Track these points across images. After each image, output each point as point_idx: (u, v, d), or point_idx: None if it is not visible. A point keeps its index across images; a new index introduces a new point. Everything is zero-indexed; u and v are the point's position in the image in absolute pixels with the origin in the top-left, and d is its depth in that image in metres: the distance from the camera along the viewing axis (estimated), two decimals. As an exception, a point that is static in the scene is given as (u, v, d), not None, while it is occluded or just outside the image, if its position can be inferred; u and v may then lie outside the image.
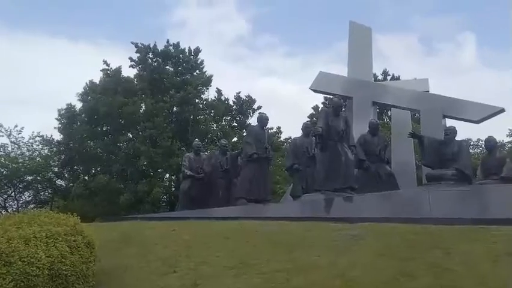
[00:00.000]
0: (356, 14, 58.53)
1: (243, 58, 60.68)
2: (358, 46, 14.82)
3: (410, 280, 4.74)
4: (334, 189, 9.60)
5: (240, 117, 26.40)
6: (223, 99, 26.21)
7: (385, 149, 11.38)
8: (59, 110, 23.72)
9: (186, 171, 11.95)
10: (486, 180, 10.08)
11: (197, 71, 25.56)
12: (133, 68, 25.16)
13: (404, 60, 49.66)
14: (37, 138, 23.94)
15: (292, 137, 13.53)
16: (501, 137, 23.96)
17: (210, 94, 26.17)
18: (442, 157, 10.23)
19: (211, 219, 8.71)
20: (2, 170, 21.77)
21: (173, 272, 6.00)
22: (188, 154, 12.83)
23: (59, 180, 24.37)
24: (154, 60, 25.15)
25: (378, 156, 11.13)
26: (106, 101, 22.69)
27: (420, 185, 11.38)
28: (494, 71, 50.40)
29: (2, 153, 22.80)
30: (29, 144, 23.84)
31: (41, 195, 24.23)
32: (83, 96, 23.75)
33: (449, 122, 12.45)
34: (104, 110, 22.69)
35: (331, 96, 14.85)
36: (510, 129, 24.27)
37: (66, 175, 24.24)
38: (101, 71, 24.59)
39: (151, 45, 24.97)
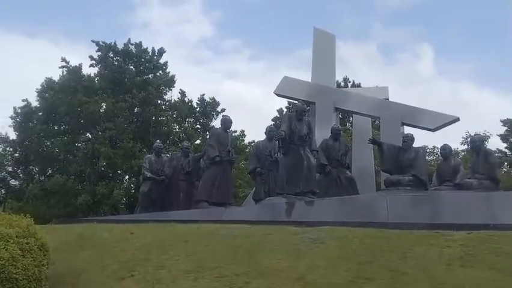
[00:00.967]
0: (319, 21, 59.75)
1: (207, 60, 60.63)
2: (322, 52, 15.03)
3: (367, 283, 4.83)
4: (296, 193, 9.64)
5: (203, 120, 26.18)
6: (186, 100, 25.93)
7: (346, 154, 11.56)
8: (14, 108, 22.83)
9: (146, 173, 11.71)
10: (441, 186, 10.39)
11: (160, 72, 25.22)
12: (94, 66, 24.57)
13: (364, 68, 51.00)
14: (-10, 136, 22.93)
15: (256, 141, 13.50)
16: (455, 145, 24.98)
17: (173, 95, 25.89)
18: (400, 163, 10.49)
19: (171, 222, 8.57)
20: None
21: (131, 276, 5.88)
22: (149, 156, 12.58)
23: (13, 180, 23.43)
24: (115, 59, 24.60)
25: (339, 161, 11.30)
26: (65, 100, 21.99)
27: (379, 190, 11.62)
28: (449, 82, 52.54)
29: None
30: (-19, 142, 22.80)
31: (-7, 195, 23.22)
32: (40, 94, 22.93)
33: (407, 130, 12.81)
34: (63, 108, 21.98)
35: (295, 101, 14.99)
36: (464, 138, 25.31)
37: (21, 175, 23.30)
38: (60, 68, 23.87)
39: (112, 44, 24.43)
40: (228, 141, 11.08)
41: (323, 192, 10.29)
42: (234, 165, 12.77)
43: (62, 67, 23.79)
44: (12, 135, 22.96)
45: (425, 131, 13.01)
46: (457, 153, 23.36)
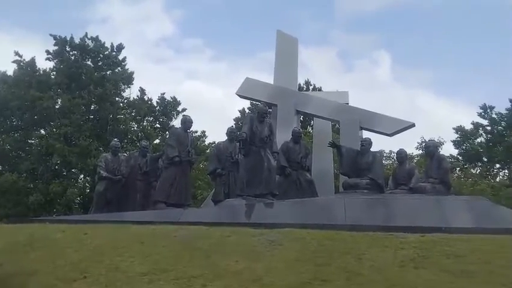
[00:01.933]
0: (281, 25, 60.41)
1: (167, 59, 59.94)
2: (284, 55, 15.13)
3: (323, 284, 4.86)
4: (255, 194, 9.63)
5: (163, 119, 25.78)
6: (146, 99, 25.46)
7: (306, 157, 11.65)
8: (-38, 101, 21.67)
9: (102, 172, 11.35)
10: (396, 189, 10.65)
11: (118, 68, 24.62)
12: (50, 61, 23.70)
13: (325, 72, 51.96)
14: None
15: (217, 142, 13.42)
16: (411, 149, 25.83)
17: (133, 93, 25.36)
18: (358, 167, 10.69)
19: (127, 223, 8.36)
20: None
21: (83, 278, 5.66)
22: (105, 154, 12.23)
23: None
24: (72, 53, 23.83)
25: (299, 163, 11.37)
26: (18, 94, 21.09)
27: (337, 192, 11.79)
28: (405, 88, 54.34)
29: None
30: None
31: None
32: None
33: (366, 134, 13.09)
34: (16, 103, 21.08)
35: (257, 103, 15.01)
36: (419, 143, 26.19)
37: (-32, 172, 22.14)
38: (13, 62, 22.87)
39: (69, 38, 23.66)
40: (188, 141, 10.93)
41: (282, 194, 10.32)
42: (193, 166, 12.62)
43: (16, 61, 22.85)
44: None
45: (383, 135, 13.35)
46: (412, 157, 24.12)
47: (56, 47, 23.53)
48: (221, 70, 60.09)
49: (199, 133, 25.68)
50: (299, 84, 26.81)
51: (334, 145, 11.51)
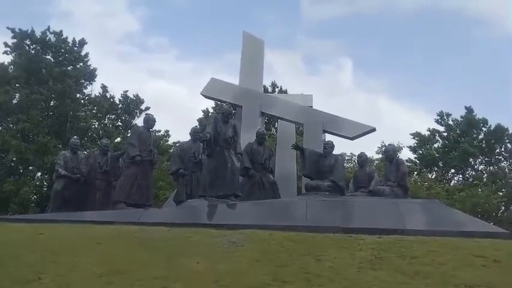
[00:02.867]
0: (247, 27, 60.34)
1: (131, 57, 58.84)
2: (250, 56, 15.18)
3: (283, 285, 4.90)
4: (218, 195, 9.61)
5: (125, 117, 25.29)
6: (108, 96, 24.90)
7: (270, 159, 11.70)
8: None
9: (60, 170, 11.01)
10: (356, 192, 10.89)
11: (80, 64, 23.96)
12: (8, 54, 22.79)
13: (289, 76, 52.49)
14: None
15: (180, 141, 13.30)
16: (371, 153, 26.44)
17: (94, 90, 24.76)
18: (320, 169, 10.84)
19: (86, 223, 8.20)
20: None
21: (38, 280, 5.46)
22: (64, 152, 11.88)
23: None
24: (31, 47, 22.99)
25: (263, 165, 11.40)
26: (-27, 88, 20.17)
27: (300, 194, 11.92)
28: (367, 94, 55.62)
29: None
30: None
31: None
32: None
33: (328, 137, 13.30)
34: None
35: (222, 103, 14.98)
36: (379, 147, 26.89)
37: None
38: (-33, 55, 21.86)
39: (29, 31, 22.83)
40: (150, 140, 10.79)
41: (245, 196, 10.35)
42: (155, 165, 12.45)
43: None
44: None
45: (345, 139, 13.61)
46: (372, 161, 24.69)
47: (14, 40, 22.66)
48: (186, 70, 59.59)
49: (162, 132, 25.40)
50: (265, 86, 26.94)
51: (297, 147, 11.63)
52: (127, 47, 59.57)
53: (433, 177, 27.88)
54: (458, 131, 28.97)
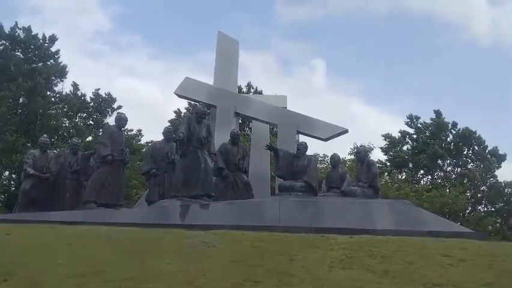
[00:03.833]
0: (222, 28, 60.16)
1: (103, 55, 57.81)
2: (225, 56, 15.14)
3: (255, 285, 4.92)
4: (191, 195, 9.56)
5: (97, 116, 24.87)
6: (79, 94, 24.43)
7: (244, 159, 11.73)
8: None
9: (29, 169, 10.72)
10: (329, 192, 11.03)
11: (51, 61, 23.41)
12: (-26, 49, 22.07)
13: (263, 77, 52.68)
14: None
15: (153, 141, 13.15)
16: (344, 154, 26.80)
17: (65, 88, 24.27)
18: (293, 170, 10.91)
19: (55, 224, 8.04)
20: None
21: (4, 281, 5.30)
22: (32, 151, 11.58)
23: None
24: (0, 43, 22.33)
25: (237, 165, 11.41)
26: None
27: (273, 194, 11.98)
28: (339, 96, 56.36)
29: None
30: None
31: None
32: None
33: (302, 138, 13.41)
34: None
35: (195, 103, 14.89)
36: (351, 148, 27.28)
37: None
38: None
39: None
40: (122, 139, 10.65)
41: (219, 196, 10.33)
42: (127, 165, 12.28)
43: None
44: None
45: (318, 140, 13.75)
46: (345, 162, 25.02)
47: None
48: (159, 69, 58.96)
49: (134, 132, 25.07)
50: (240, 87, 26.95)
51: (271, 148, 11.68)
52: (99, 44, 58.53)
53: (403, 178, 28.51)
54: (427, 134, 29.74)
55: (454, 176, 28.28)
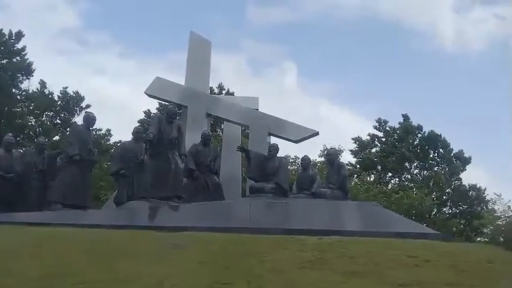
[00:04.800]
0: (192, 27, 59.82)
1: (71, 52, 56.45)
2: (197, 57, 15.06)
3: (224, 287, 4.92)
4: (160, 197, 9.47)
5: (64, 114, 24.30)
6: (46, 92, 23.82)
7: (215, 160, 11.68)
8: None
9: (-8, 169, 10.43)
10: (299, 194, 11.12)
11: (17, 58, 22.75)
12: None
13: (234, 78, 52.70)
14: None
15: (122, 141, 12.97)
16: (314, 156, 27.13)
17: (32, 85, 23.62)
18: (265, 171, 10.98)
19: (20, 225, 7.86)
20: None
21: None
22: (-4, 150, 11.24)
23: None
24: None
25: (207, 166, 11.34)
26: None
27: (244, 196, 11.99)
28: (310, 98, 56.93)
29: None
30: None
31: None
32: None
33: (273, 140, 13.51)
34: None
35: (166, 103, 14.76)
36: (321, 151, 27.62)
37: None
38: None
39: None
40: (90, 139, 10.49)
41: (189, 197, 10.26)
42: (94, 165, 12.05)
43: None
44: None
45: (289, 142, 13.86)
46: (315, 164, 25.32)
47: None
48: (129, 68, 57.99)
49: (103, 131, 24.63)
50: (212, 88, 26.84)
51: (242, 149, 11.70)
52: (68, 42, 57.15)
53: (372, 180, 29.08)
54: (395, 137, 30.45)
55: (420, 178, 29.04)
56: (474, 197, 27.78)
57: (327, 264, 5.73)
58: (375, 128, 31.23)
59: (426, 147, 29.64)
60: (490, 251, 7.42)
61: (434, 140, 29.47)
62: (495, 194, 28.76)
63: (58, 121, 24.41)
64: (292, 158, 25.89)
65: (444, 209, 28.35)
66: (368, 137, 31.23)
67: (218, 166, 12.05)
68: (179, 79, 15.00)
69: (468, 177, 29.52)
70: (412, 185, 28.17)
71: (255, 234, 7.23)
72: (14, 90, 22.28)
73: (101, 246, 6.43)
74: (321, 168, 22.83)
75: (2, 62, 22.08)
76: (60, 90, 24.34)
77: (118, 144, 17.28)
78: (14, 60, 22.64)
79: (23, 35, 23.09)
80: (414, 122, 30.47)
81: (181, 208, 9.19)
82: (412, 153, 29.09)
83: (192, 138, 11.89)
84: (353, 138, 31.11)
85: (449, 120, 48.66)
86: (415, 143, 29.98)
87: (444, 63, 55.63)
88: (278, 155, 11.36)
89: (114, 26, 60.68)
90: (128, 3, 59.55)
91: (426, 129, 29.95)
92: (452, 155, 29.35)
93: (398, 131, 30.43)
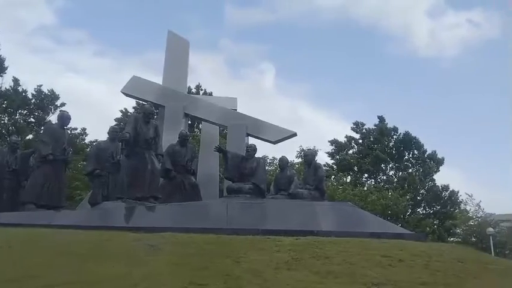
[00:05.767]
0: (170, 26, 59.49)
1: (46, 50, 55.39)
2: (175, 56, 14.96)
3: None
4: (136, 197, 9.36)
5: (38, 113, 23.78)
6: (20, 90, 23.25)
7: (192, 161, 11.63)
8: None
9: (-38, 168, 10.16)
10: (277, 195, 11.16)
11: (-10, 54, 22.19)
12: None
13: (212, 78, 52.59)
14: None
15: (98, 140, 12.75)
16: (291, 157, 27.27)
17: (5, 83, 23.04)
18: (242, 172, 10.98)
19: (-8, 225, 7.66)
20: None
21: None
22: (-33, 149, 10.96)
23: None
24: None
25: (184, 167, 11.30)
26: None
27: (221, 196, 11.96)
28: (288, 99, 57.32)
29: None
30: None
31: None
32: None
33: (251, 140, 13.51)
34: None
35: (143, 102, 14.61)
36: (298, 151, 27.80)
37: None
38: None
39: None
40: (64, 138, 10.30)
41: (166, 198, 10.19)
42: (69, 165, 11.84)
43: None
44: None
45: (267, 142, 13.90)
46: (293, 165, 25.46)
47: None
48: (105, 66, 57.27)
49: (78, 130, 24.21)
50: (190, 89, 26.69)
51: (220, 150, 11.67)
52: (43, 39, 56.00)
53: (348, 181, 29.44)
54: (371, 139, 30.91)
55: (395, 179, 29.55)
56: (447, 198, 28.45)
57: (303, 264, 5.78)
58: (352, 130, 31.66)
59: (401, 148, 30.18)
60: (461, 250, 7.62)
61: (409, 142, 30.04)
62: (466, 194, 29.64)
63: (32, 120, 23.89)
64: (270, 159, 25.96)
65: (419, 210, 28.93)
66: (345, 139, 31.63)
67: (196, 166, 12.00)
68: (157, 78, 14.91)
69: (441, 178, 30.25)
70: (387, 186, 28.65)
71: (231, 234, 7.24)
72: (-15, 87, 21.70)
73: (75, 248, 6.34)
74: (298, 169, 22.97)
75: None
76: (35, 88, 23.87)
77: (94, 144, 16.97)
78: (-14, 56, 22.11)
79: (-4, 31, 22.56)
80: (390, 123, 31.00)
81: (157, 209, 9.11)
82: (387, 155, 29.57)
83: (169, 138, 11.81)
84: (329, 141, 31.47)
85: (423, 122, 49.76)
86: (390, 144, 30.48)
87: (418, 67, 56.79)
88: (256, 155, 11.37)
89: (90, 24, 59.82)
90: (105, 1, 58.75)
91: (401, 130, 30.52)
92: (425, 156, 29.96)
93: (373, 133, 30.90)
